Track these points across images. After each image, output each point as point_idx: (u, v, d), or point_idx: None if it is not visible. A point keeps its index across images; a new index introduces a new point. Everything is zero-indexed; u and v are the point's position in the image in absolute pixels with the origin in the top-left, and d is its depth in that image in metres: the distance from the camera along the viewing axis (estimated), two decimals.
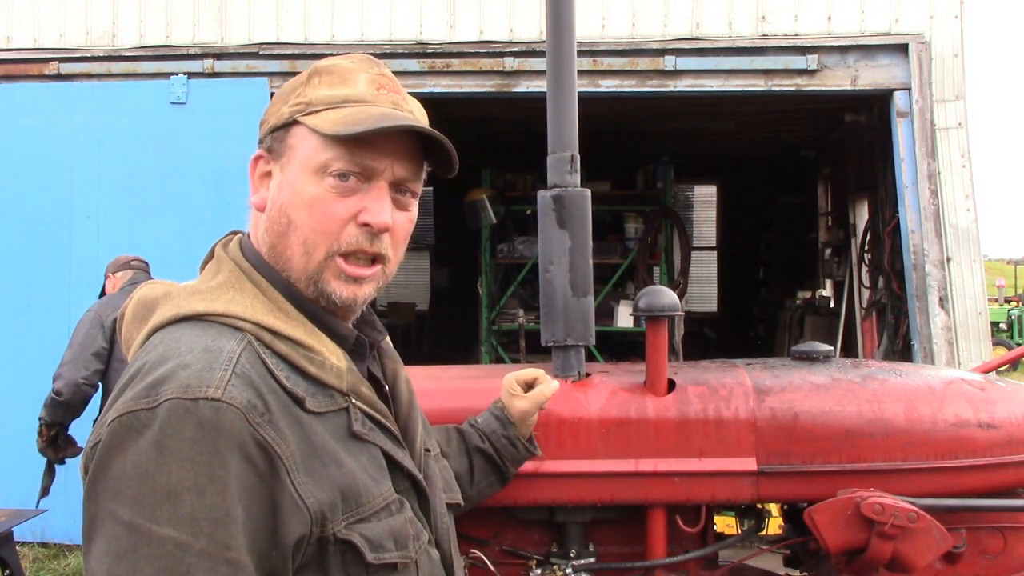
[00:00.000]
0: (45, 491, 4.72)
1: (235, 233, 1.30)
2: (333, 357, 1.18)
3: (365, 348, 1.27)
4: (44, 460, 4.66)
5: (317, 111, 1.19)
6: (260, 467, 1.05)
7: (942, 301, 5.73)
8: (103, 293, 5.05)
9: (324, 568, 1.10)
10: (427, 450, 1.34)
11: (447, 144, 1.22)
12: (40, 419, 4.54)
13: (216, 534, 1.00)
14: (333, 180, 1.18)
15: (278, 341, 1.15)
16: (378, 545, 1.13)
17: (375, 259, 1.21)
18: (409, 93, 1.30)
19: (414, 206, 1.27)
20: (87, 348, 4.55)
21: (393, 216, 1.21)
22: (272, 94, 4.99)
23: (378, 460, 1.19)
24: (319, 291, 1.20)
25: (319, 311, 1.22)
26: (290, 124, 1.21)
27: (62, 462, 4.65)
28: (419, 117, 1.26)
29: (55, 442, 4.58)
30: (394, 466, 1.22)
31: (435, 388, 2.71)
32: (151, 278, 4.92)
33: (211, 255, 1.28)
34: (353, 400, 1.19)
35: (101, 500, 1.03)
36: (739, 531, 2.74)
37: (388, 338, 1.43)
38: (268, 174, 1.24)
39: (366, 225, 1.18)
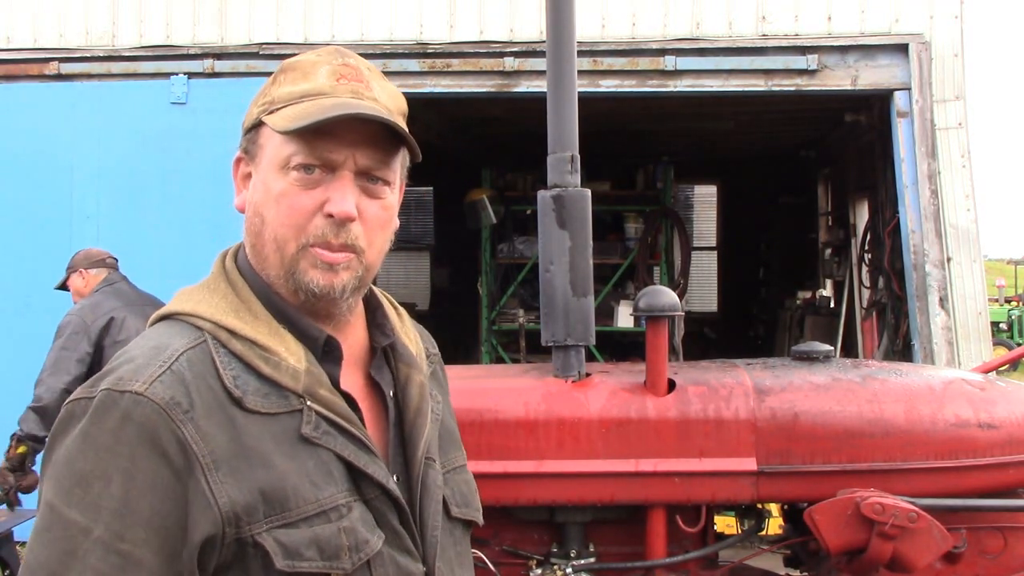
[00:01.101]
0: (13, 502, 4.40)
1: None
2: (292, 358, 1.17)
3: (337, 351, 1.23)
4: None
5: (277, 109, 1.20)
6: (175, 463, 1.06)
7: (942, 301, 5.73)
8: (64, 286, 4.82)
9: (246, 571, 1.10)
10: (431, 459, 1.29)
11: (397, 128, 1.20)
12: (13, 435, 4.30)
13: (112, 524, 1.04)
14: (297, 174, 1.18)
15: (234, 340, 1.16)
16: (294, 552, 1.10)
17: (344, 249, 1.20)
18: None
19: (389, 194, 1.24)
20: (71, 354, 4.42)
21: (363, 205, 1.20)
22: None
23: (327, 465, 1.16)
24: (297, 284, 1.19)
25: (292, 311, 1.22)
26: (259, 125, 1.23)
27: (15, 493, 4.33)
28: (386, 104, 1.24)
29: (22, 463, 4.31)
30: (359, 473, 1.18)
31: None
32: (123, 276, 4.84)
33: None
34: (308, 402, 1.16)
35: (43, 480, 1.10)
36: (739, 531, 2.75)
37: (416, 340, 1.40)
38: (248, 176, 1.26)
39: (330, 215, 1.18)
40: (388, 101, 1.25)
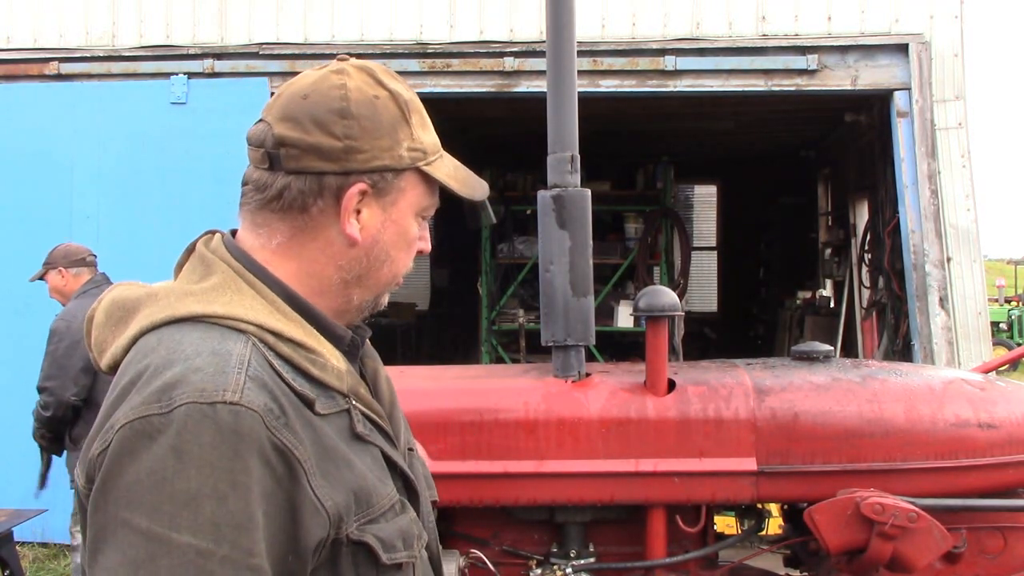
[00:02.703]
0: (43, 480, 4.66)
1: (212, 232, 1.26)
2: (333, 359, 1.18)
3: (357, 348, 1.28)
4: (39, 450, 4.62)
5: (432, 161, 1.28)
6: (279, 471, 1.04)
7: (942, 301, 5.73)
8: (44, 277, 4.78)
9: (336, 570, 1.10)
10: (410, 449, 1.36)
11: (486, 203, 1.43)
12: (35, 431, 4.53)
13: (239, 540, 0.99)
14: (421, 220, 1.31)
15: (281, 343, 1.13)
16: (390, 545, 1.14)
17: None
18: None
19: None
20: (74, 362, 4.37)
21: None
22: (272, 94, 5.00)
23: (379, 461, 1.20)
24: (375, 305, 1.30)
25: (317, 312, 1.22)
26: (407, 168, 1.25)
27: (59, 453, 4.65)
28: None
29: (53, 442, 4.58)
30: (392, 466, 1.22)
31: (435, 388, 2.71)
32: (105, 276, 4.78)
33: (188, 254, 1.24)
34: (354, 402, 1.19)
35: (112, 509, 1.00)
36: (739, 531, 2.75)
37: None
38: (360, 206, 1.23)
39: (420, 252, 1.33)
40: None
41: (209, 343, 1.08)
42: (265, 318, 1.14)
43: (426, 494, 1.33)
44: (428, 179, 1.27)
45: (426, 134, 1.28)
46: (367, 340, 1.36)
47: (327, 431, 1.12)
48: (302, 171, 1.18)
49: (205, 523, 0.98)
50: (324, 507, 1.07)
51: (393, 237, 1.26)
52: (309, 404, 1.11)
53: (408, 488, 1.26)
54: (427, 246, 1.34)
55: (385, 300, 1.31)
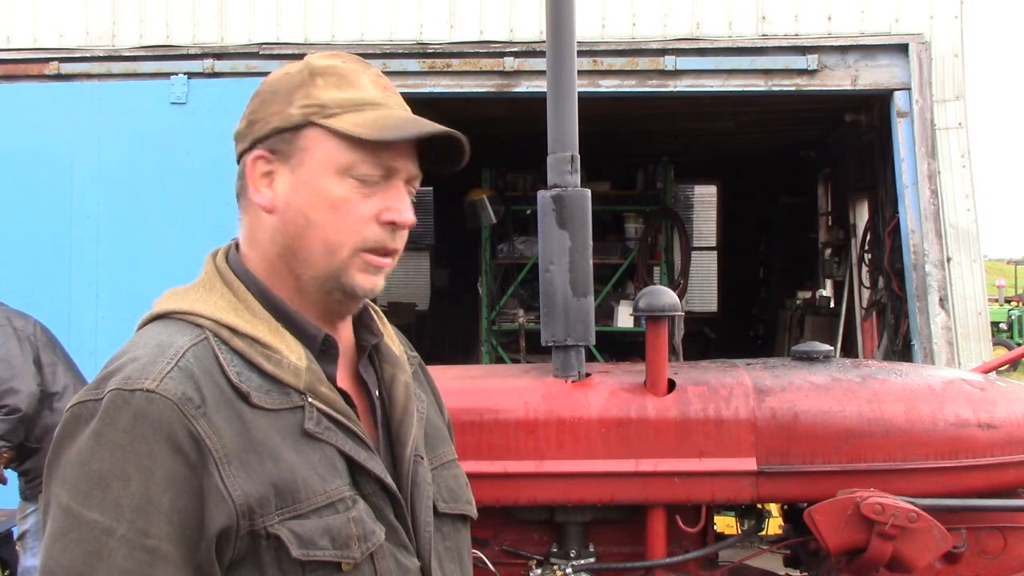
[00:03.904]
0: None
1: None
2: (292, 356, 1.20)
3: (335, 349, 1.26)
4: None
5: (336, 114, 1.22)
6: (191, 458, 1.08)
7: (942, 301, 5.73)
8: None
9: (259, 563, 1.12)
10: (420, 456, 1.32)
11: (464, 142, 1.27)
12: None
13: (137, 521, 1.05)
14: (356, 181, 1.22)
15: (236, 338, 1.18)
16: (308, 542, 1.13)
17: (393, 253, 1.26)
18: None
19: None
20: (24, 357, 4.33)
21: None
22: None
23: (331, 459, 1.18)
24: (342, 286, 1.23)
25: (288, 310, 1.24)
26: (302, 126, 1.22)
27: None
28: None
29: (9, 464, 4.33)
30: (359, 468, 1.21)
31: None
32: None
33: None
34: (310, 399, 1.19)
35: (52, 486, 1.11)
36: (739, 531, 2.75)
37: (397, 342, 1.42)
38: (269, 174, 1.25)
39: (391, 223, 1.23)
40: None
41: (161, 336, 1.17)
42: (223, 314, 1.19)
43: (426, 504, 1.30)
44: (341, 135, 1.20)
45: (334, 92, 1.22)
46: (387, 345, 1.36)
47: (260, 424, 1.14)
48: (238, 160, 1.29)
49: (111, 502, 1.06)
50: (231, 496, 1.09)
51: (308, 199, 1.22)
52: (243, 396, 1.14)
53: (388, 494, 1.23)
54: (399, 216, 1.23)
55: (353, 280, 1.22)
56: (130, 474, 1.06)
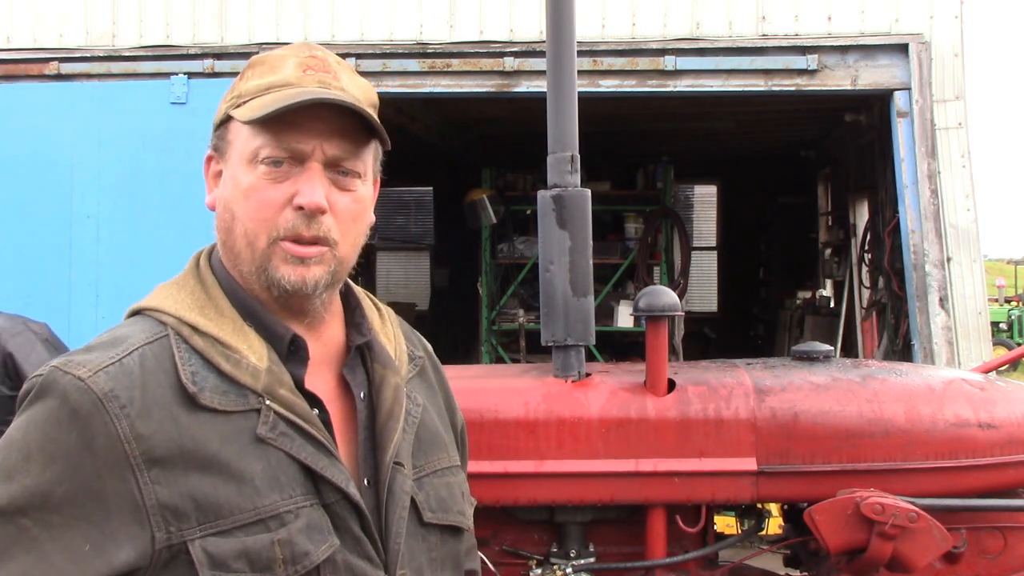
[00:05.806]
0: None
1: None
2: (253, 356, 1.15)
3: (304, 350, 1.21)
4: None
5: (244, 102, 1.20)
6: (99, 457, 1.05)
7: (942, 301, 5.73)
8: None
9: None
10: (399, 464, 1.24)
11: (364, 113, 1.18)
12: None
13: (17, 496, 1.05)
14: (265, 167, 1.17)
15: (196, 336, 1.16)
16: (220, 563, 1.06)
17: (316, 242, 1.19)
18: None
19: (360, 186, 1.23)
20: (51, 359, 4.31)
21: (333, 197, 1.19)
22: None
23: (276, 470, 1.12)
24: (270, 280, 1.18)
25: (257, 309, 1.21)
26: (227, 120, 1.22)
27: None
28: (355, 94, 1.22)
29: None
30: (318, 476, 1.15)
31: None
32: None
33: None
34: (267, 401, 1.14)
35: None
36: (739, 531, 2.75)
37: (397, 341, 1.37)
38: (219, 173, 1.25)
39: (300, 208, 1.16)
40: (357, 92, 1.23)
41: (124, 330, 1.17)
42: (186, 311, 1.18)
43: (399, 514, 1.22)
44: (244, 122, 1.18)
45: (254, 81, 1.21)
46: (380, 345, 1.30)
47: (200, 430, 1.10)
48: None
49: (5, 468, 1.06)
50: (145, 504, 1.06)
51: (230, 191, 1.20)
52: (191, 397, 1.11)
53: (351, 504, 1.16)
54: (304, 199, 1.16)
55: (278, 272, 1.17)
56: (32, 451, 1.06)
